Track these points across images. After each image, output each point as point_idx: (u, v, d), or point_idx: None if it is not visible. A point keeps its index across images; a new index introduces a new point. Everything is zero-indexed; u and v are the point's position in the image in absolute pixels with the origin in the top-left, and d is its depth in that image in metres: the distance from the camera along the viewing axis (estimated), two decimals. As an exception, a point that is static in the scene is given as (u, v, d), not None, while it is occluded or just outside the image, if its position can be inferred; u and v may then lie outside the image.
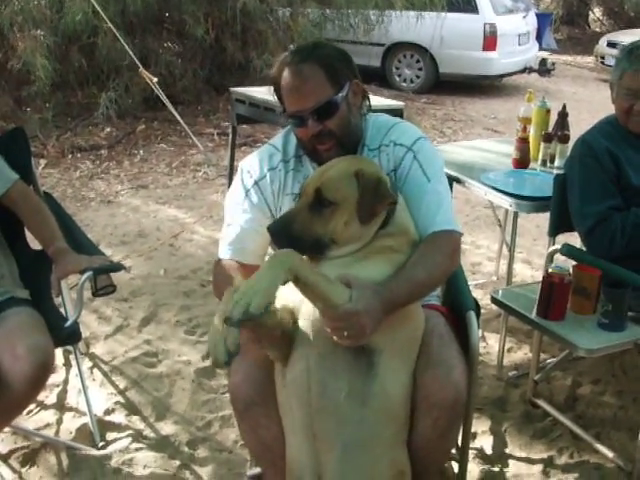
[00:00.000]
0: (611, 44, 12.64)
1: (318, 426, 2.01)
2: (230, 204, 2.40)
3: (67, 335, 2.77)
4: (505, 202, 3.41)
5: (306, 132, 2.24)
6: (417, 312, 2.16)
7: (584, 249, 3.08)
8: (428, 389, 2.08)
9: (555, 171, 3.56)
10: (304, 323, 2.03)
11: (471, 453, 2.88)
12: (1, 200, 2.83)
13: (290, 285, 1.87)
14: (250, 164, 2.41)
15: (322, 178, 2.07)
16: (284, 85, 2.24)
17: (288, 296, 1.99)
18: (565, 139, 3.74)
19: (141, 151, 7.45)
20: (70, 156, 7.17)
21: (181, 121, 7.02)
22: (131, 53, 7.02)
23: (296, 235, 2.02)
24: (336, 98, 2.23)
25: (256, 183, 2.36)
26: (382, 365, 2.01)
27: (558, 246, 3.09)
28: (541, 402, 3.28)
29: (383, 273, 2.04)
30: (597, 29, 20.00)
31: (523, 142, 3.78)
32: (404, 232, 2.15)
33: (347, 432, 2.00)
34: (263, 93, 4.80)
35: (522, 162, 3.76)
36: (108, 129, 7.93)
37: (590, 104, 9.77)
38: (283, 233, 2.04)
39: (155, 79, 6.91)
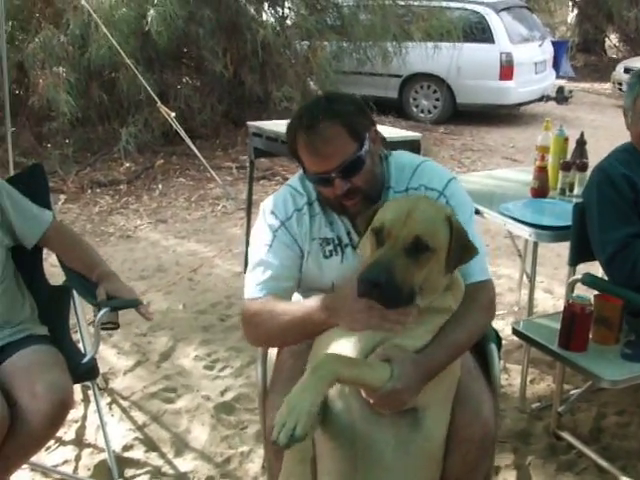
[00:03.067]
0: (628, 70, 12.60)
1: (361, 476, 1.99)
2: (257, 245, 2.33)
3: (85, 371, 2.76)
4: (524, 232, 3.38)
5: (332, 192, 2.19)
6: (456, 362, 2.12)
7: (605, 278, 3.05)
8: (458, 425, 2.07)
9: (574, 200, 3.51)
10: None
11: (495, 487, 2.85)
12: (38, 243, 2.85)
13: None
14: (274, 204, 2.34)
15: (416, 221, 1.92)
16: (303, 148, 2.18)
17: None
18: (584, 167, 3.71)
19: (160, 185, 7.49)
20: (89, 191, 7.22)
21: (199, 155, 7.06)
22: (149, 88, 7.08)
23: (398, 285, 1.85)
24: (360, 154, 2.16)
25: (283, 224, 2.30)
26: (427, 419, 2.00)
27: (579, 276, 3.06)
28: (565, 434, 3.23)
29: (427, 340, 2.01)
30: (614, 55, 19.99)
31: (541, 171, 3.76)
32: (459, 286, 2.11)
33: (389, 478, 1.98)
34: (280, 126, 4.81)
35: (541, 191, 3.74)
36: (127, 164, 7.98)
37: (608, 131, 9.74)
38: (386, 282, 1.83)
39: (173, 114, 6.97)
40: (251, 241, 2.38)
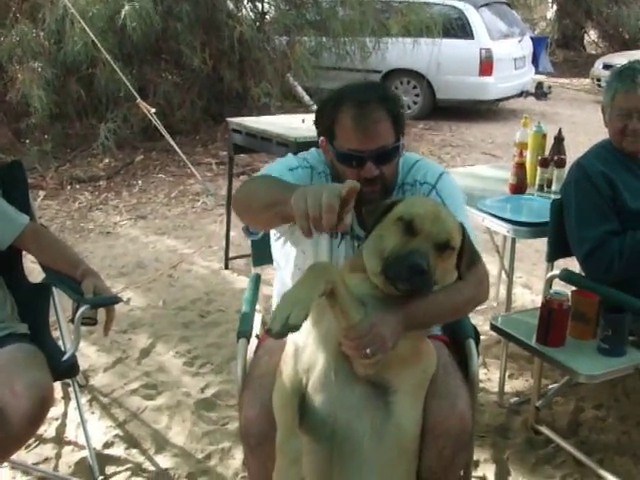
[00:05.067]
0: (607, 66, 12.69)
1: (337, 469, 2.00)
2: (278, 163, 2.37)
3: (65, 368, 2.75)
4: (502, 228, 3.41)
5: (358, 173, 2.19)
6: (429, 351, 2.15)
7: (583, 274, 3.07)
8: (434, 419, 2.08)
9: (552, 196, 3.55)
10: (327, 370, 2.02)
11: (473, 482, 2.87)
12: (14, 244, 2.83)
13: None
14: (288, 157, 2.40)
15: (444, 222, 2.03)
16: (347, 121, 2.19)
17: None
18: (562, 163, 3.74)
19: (140, 181, 7.47)
20: (69, 187, 7.19)
21: (179, 151, 7.04)
22: (128, 84, 7.05)
23: (430, 273, 1.96)
24: (398, 144, 2.24)
25: (311, 167, 2.35)
26: (397, 404, 2.01)
27: (556, 271, 3.09)
28: (543, 428, 3.26)
29: None
30: (593, 51, 20.11)
31: (520, 167, 3.79)
32: None
33: (365, 471, 2.00)
34: (260, 123, 4.82)
35: (519, 187, 3.76)
36: (107, 160, 7.95)
37: (587, 126, 9.81)
38: (425, 269, 1.94)
39: (153, 110, 6.94)
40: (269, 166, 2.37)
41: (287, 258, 2.48)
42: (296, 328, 1.76)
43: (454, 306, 2.15)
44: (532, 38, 13.42)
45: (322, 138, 2.31)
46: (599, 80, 13.02)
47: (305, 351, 2.04)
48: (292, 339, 2.07)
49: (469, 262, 2.11)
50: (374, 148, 2.18)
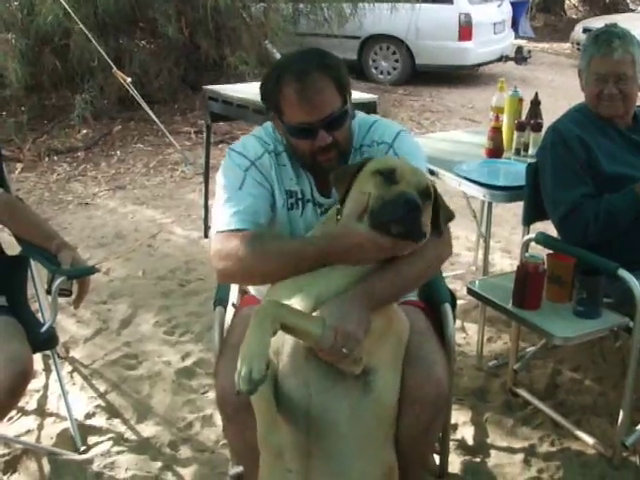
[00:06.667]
0: (587, 30, 12.64)
1: (315, 445, 2.00)
2: (225, 186, 2.26)
3: (44, 340, 2.74)
4: (479, 193, 3.41)
5: (312, 144, 2.18)
6: (400, 319, 2.15)
7: (559, 237, 3.09)
8: (410, 385, 2.08)
9: (529, 160, 3.53)
10: (297, 354, 2.01)
11: (452, 444, 2.90)
12: None
13: None
14: (242, 147, 2.32)
15: (421, 174, 2.07)
16: (290, 96, 2.16)
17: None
18: (538, 127, 3.74)
19: (118, 152, 7.42)
20: (47, 159, 7.13)
21: (157, 120, 6.99)
22: (104, 53, 6.97)
23: (421, 216, 1.97)
24: (346, 108, 2.21)
25: (253, 163, 2.27)
26: (376, 381, 2.01)
27: (532, 235, 3.10)
28: (521, 391, 3.30)
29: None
30: (573, 16, 20.07)
31: (496, 132, 3.79)
32: None
33: (344, 446, 2.00)
34: (236, 90, 4.79)
35: (495, 152, 3.77)
36: (84, 131, 7.89)
37: (567, 91, 9.79)
38: (420, 204, 1.95)
39: (129, 79, 6.86)
40: (218, 183, 2.31)
41: None
42: (262, 381, 1.79)
43: (419, 272, 2.13)
44: (512, 2, 13.35)
45: (271, 114, 2.28)
46: (579, 44, 12.97)
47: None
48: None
49: (446, 216, 2.12)
50: (323, 117, 2.15)
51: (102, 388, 3.40)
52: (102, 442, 3.03)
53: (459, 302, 3.27)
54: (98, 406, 3.27)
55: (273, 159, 2.30)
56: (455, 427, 3.07)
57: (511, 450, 2.98)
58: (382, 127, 2.36)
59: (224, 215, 2.20)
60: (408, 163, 2.11)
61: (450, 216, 2.15)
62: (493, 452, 2.97)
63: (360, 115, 2.41)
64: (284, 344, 2.00)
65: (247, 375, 1.78)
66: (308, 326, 1.92)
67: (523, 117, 3.94)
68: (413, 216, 1.94)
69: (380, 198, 1.97)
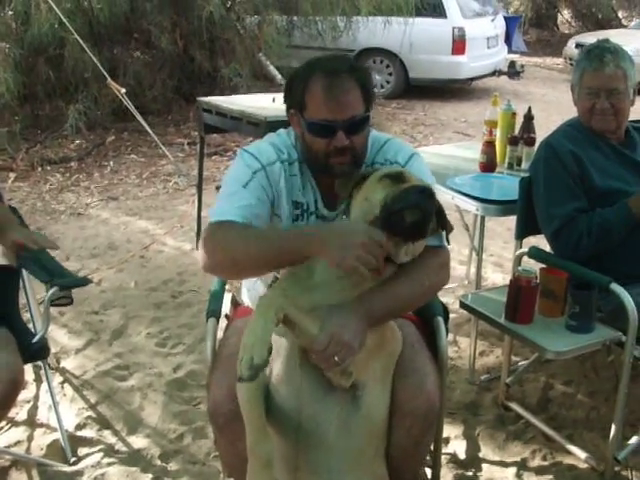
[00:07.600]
0: (579, 45, 12.74)
1: (304, 458, 2.00)
2: (230, 183, 2.24)
3: (35, 350, 2.74)
4: (471, 206, 3.42)
5: (328, 143, 2.18)
6: (393, 334, 2.16)
7: (552, 252, 3.10)
8: (401, 399, 2.08)
9: (522, 174, 3.55)
10: (291, 361, 2.02)
11: (444, 458, 2.90)
12: None
13: None
14: (257, 149, 2.30)
15: (426, 181, 2.11)
16: (318, 91, 2.16)
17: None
18: (531, 142, 3.76)
19: (111, 162, 7.41)
20: (40, 169, 7.11)
21: (150, 131, 6.99)
22: (98, 64, 6.97)
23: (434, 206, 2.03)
24: (368, 114, 2.23)
25: (264, 168, 2.24)
26: (366, 396, 2.01)
27: (525, 249, 3.11)
28: (513, 405, 3.30)
29: None
30: (566, 31, 20.18)
31: (489, 146, 3.80)
32: None
33: (333, 460, 2.00)
34: (230, 102, 4.79)
35: (489, 166, 3.78)
36: (78, 141, 7.89)
37: (559, 105, 9.84)
38: (434, 192, 2.03)
39: (123, 90, 6.87)
40: (224, 179, 2.30)
41: None
42: (264, 366, 1.82)
43: (416, 296, 2.14)
44: (505, 17, 13.46)
45: (292, 111, 2.28)
46: (572, 59, 13.06)
47: None
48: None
49: (444, 222, 2.14)
50: (345, 118, 2.16)
51: (93, 399, 3.38)
52: (92, 453, 3.02)
53: (451, 316, 3.25)
54: (89, 417, 3.25)
55: (285, 169, 2.28)
56: (447, 441, 3.07)
57: (503, 464, 2.98)
58: (396, 146, 2.37)
59: (224, 206, 2.19)
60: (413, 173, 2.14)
61: (450, 227, 2.17)
62: (485, 466, 2.97)
63: (373, 132, 2.40)
64: (279, 350, 2.01)
65: (249, 361, 1.80)
66: (308, 324, 1.93)
67: (516, 131, 3.95)
68: (429, 203, 1.98)
69: (391, 193, 1.98)
